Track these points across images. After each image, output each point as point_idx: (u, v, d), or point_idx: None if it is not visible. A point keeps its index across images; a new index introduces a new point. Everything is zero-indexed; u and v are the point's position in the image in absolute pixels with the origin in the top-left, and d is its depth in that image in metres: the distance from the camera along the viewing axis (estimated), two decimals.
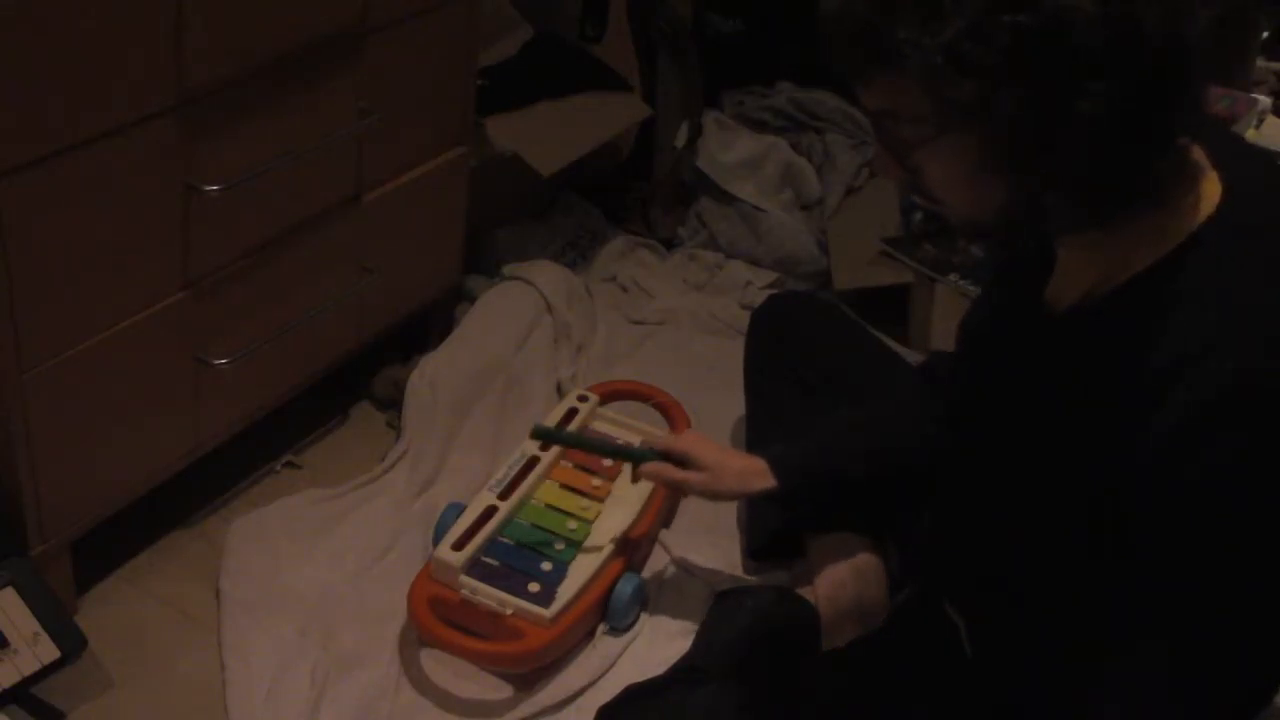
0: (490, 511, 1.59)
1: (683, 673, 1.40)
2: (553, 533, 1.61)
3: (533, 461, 1.68)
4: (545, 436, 1.67)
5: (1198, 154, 0.98)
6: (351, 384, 1.93)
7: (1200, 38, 0.89)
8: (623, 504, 1.66)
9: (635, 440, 1.78)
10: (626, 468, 1.73)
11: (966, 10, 0.87)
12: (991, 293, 1.29)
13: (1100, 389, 0.99)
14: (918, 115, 0.94)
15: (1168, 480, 0.94)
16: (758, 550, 1.66)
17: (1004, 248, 1.24)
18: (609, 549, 1.57)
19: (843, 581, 1.53)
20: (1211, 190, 0.97)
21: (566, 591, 1.51)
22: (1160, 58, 0.88)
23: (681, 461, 1.50)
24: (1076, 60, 0.87)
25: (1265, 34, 2.62)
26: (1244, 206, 0.97)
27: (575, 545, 1.59)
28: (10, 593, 1.37)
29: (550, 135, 2.10)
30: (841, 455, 1.47)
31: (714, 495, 1.50)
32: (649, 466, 1.51)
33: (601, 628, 1.56)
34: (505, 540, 1.59)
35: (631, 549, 1.60)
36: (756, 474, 1.46)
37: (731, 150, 2.36)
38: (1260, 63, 2.65)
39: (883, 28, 0.90)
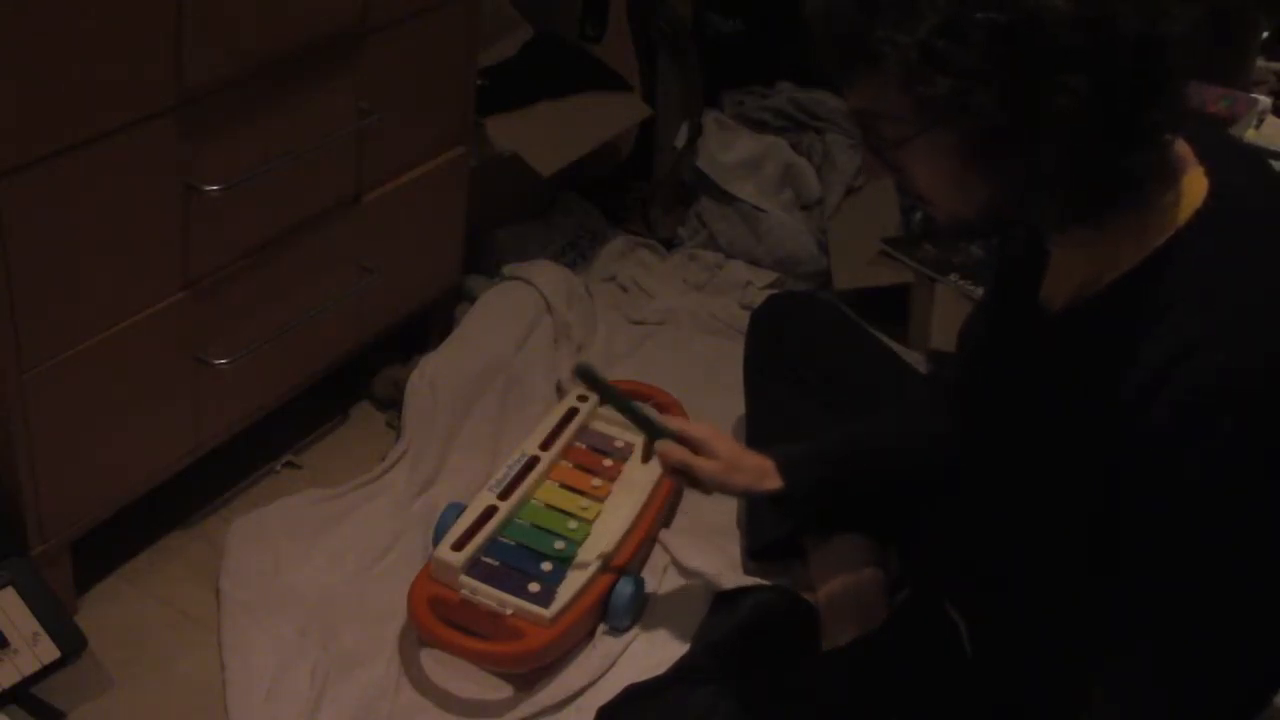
0: (490, 511, 1.59)
1: (683, 673, 1.40)
2: (553, 533, 1.61)
3: (533, 461, 1.68)
4: (589, 377, 1.54)
5: (1184, 150, 0.98)
6: (351, 384, 1.93)
7: (1180, 35, 0.89)
8: (623, 504, 1.66)
9: (636, 440, 1.79)
10: (627, 468, 1.74)
11: (941, 7, 0.87)
12: (989, 300, 1.30)
13: (1094, 388, 1.00)
14: (898, 114, 0.94)
15: (1162, 478, 0.94)
16: (758, 550, 1.66)
17: (993, 245, 1.24)
18: (609, 549, 1.57)
19: (842, 581, 1.53)
20: (1198, 186, 0.98)
21: (566, 591, 1.51)
22: (1136, 54, 0.88)
23: (696, 449, 1.45)
24: (1051, 57, 0.87)
25: (1265, 34, 2.62)
26: (1231, 202, 0.97)
27: (575, 545, 1.59)
28: (10, 593, 1.37)
29: (550, 135, 2.10)
30: (849, 461, 1.46)
31: (723, 487, 1.45)
32: (663, 445, 1.46)
33: (601, 628, 1.56)
34: (505, 540, 1.59)
35: (631, 550, 1.60)
36: (767, 473, 1.44)
37: (731, 150, 2.36)
38: (1260, 63, 2.65)
39: (862, 27, 0.91)
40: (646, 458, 1.51)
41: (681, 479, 1.48)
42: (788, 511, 1.59)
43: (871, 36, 0.90)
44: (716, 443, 1.45)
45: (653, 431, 1.49)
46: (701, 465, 1.44)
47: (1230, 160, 1.00)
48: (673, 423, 1.51)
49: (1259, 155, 1.07)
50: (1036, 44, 0.87)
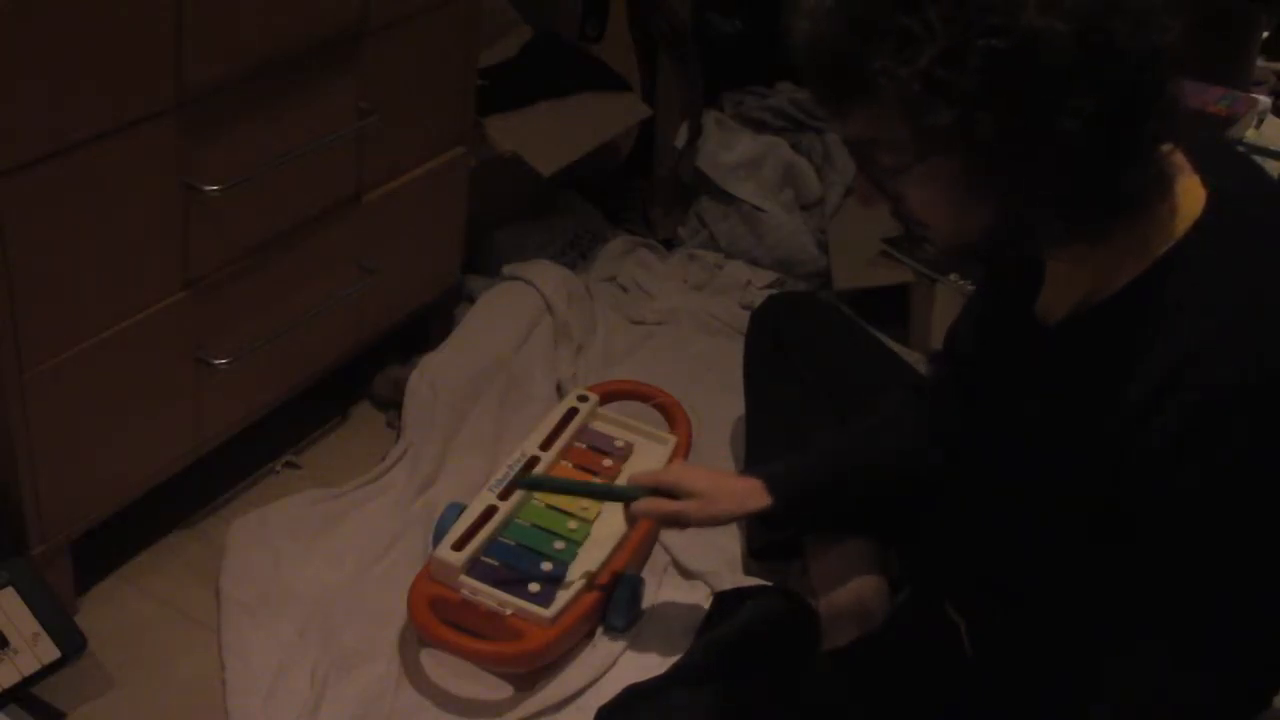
0: (490, 511, 1.59)
1: (683, 673, 1.40)
2: (553, 533, 1.61)
3: (533, 461, 1.68)
4: (527, 486, 1.63)
5: (1179, 159, 0.98)
6: (351, 384, 1.93)
7: (1172, 46, 0.89)
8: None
9: (635, 440, 1.79)
10: (627, 467, 1.74)
11: (940, 36, 0.86)
12: (979, 304, 1.29)
13: (1096, 397, 0.99)
14: (897, 142, 0.93)
15: (1167, 485, 0.94)
16: (758, 550, 1.66)
17: (990, 265, 1.24)
18: (609, 549, 1.57)
19: (842, 581, 1.53)
20: (1195, 195, 0.98)
21: (566, 592, 1.51)
22: (1135, 69, 0.88)
23: (672, 493, 1.45)
24: (1052, 79, 0.86)
25: (1265, 34, 2.62)
26: (1229, 209, 0.97)
27: (575, 545, 1.59)
28: (10, 593, 1.37)
29: (550, 135, 2.10)
30: (836, 471, 1.45)
31: (712, 521, 1.46)
32: (641, 504, 1.46)
33: (601, 628, 1.56)
34: (505, 540, 1.59)
35: (631, 550, 1.60)
36: (751, 493, 1.43)
37: (731, 150, 2.36)
38: (1260, 63, 2.65)
39: (857, 58, 0.89)
40: (629, 518, 1.51)
41: (673, 524, 1.48)
42: (778, 530, 1.58)
43: (868, 68, 0.89)
44: (690, 479, 1.44)
45: (622, 496, 1.50)
46: (684, 510, 1.43)
47: (1225, 166, 1.00)
48: (643, 478, 1.50)
49: (1252, 160, 1.07)
50: (1038, 67, 0.86)
